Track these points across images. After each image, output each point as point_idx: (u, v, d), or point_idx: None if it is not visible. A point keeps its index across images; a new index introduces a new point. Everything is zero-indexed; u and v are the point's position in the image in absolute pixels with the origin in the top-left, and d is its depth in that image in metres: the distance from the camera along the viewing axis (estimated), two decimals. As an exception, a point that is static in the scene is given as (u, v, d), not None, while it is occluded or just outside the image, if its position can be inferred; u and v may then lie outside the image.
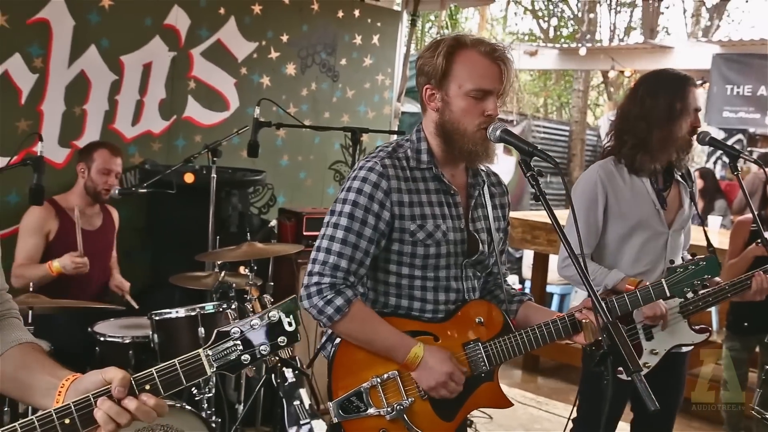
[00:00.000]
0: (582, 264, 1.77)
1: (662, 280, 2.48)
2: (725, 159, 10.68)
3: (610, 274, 2.85)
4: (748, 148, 11.09)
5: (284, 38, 5.62)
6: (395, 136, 6.91)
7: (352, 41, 6.10)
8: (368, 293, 2.19)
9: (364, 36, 6.16)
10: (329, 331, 2.18)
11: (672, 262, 2.62)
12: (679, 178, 3.00)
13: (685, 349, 2.98)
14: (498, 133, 2.02)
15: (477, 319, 2.16)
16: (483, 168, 2.27)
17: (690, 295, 2.51)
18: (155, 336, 3.37)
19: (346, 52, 6.06)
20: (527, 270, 7.76)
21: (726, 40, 10.59)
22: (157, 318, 3.39)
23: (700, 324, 2.94)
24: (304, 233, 4.60)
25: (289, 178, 5.75)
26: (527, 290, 7.32)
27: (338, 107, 6.04)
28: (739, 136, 11.01)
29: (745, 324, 4.28)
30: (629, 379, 1.60)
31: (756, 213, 2.78)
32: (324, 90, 5.93)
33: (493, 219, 2.26)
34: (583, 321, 2.04)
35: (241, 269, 4.00)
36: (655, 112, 2.82)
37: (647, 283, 2.74)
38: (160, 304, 3.53)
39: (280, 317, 1.51)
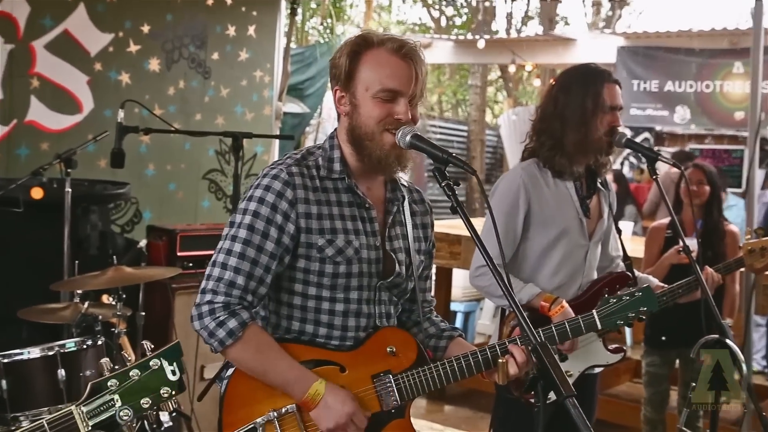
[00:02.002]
0: (505, 276, 1.83)
1: (594, 311, 2.54)
2: (632, 160, 11.30)
3: (525, 288, 2.92)
4: (656, 147, 11.73)
5: (145, 29, 5.52)
6: (278, 141, 6.95)
7: (224, 32, 6.05)
8: (270, 316, 2.19)
9: (238, 26, 6.12)
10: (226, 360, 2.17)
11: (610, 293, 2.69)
12: (600, 186, 3.11)
13: (597, 369, 3.10)
14: (408, 138, 2.05)
15: (388, 349, 2.18)
16: (404, 183, 2.31)
17: (621, 326, 2.58)
18: (3, 382, 3.21)
19: (218, 45, 6.01)
20: (428, 287, 7.88)
21: (630, 32, 11.18)
22: (5, 360, 3.24)
23: (612, 338, 3.07)
24: (179, 253, 4.52)
25: (157, 191, 5.65)
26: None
27: (211, 108, 5.98)
28: (646, 134, 11.62)
29: (663, 338, 4.48)
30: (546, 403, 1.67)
31: (674, 217, 2.93)
32: (194, 88, 5.86)
33: (413, 239, 2.28)
34: (499, 361, 2.09)
35: (105, 298, 3.89)
36: (568, 111, 2.93)
37: (564, 304, 2.85)
38: (4, 344, 3.37)
39: (161, 365, 1.49)
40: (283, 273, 2.14)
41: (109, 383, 1.47)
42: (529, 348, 1.75)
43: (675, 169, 4.52)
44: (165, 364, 1.51)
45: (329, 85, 2.26)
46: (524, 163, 3.04)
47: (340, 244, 2.11)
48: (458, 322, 7.79)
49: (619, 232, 3.17)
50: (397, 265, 2.22)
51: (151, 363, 1.50)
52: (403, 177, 2.30)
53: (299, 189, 2.09)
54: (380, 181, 2.24)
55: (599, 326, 2.54)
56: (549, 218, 2.96)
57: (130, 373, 1.50)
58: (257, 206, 2.08)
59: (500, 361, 2.06)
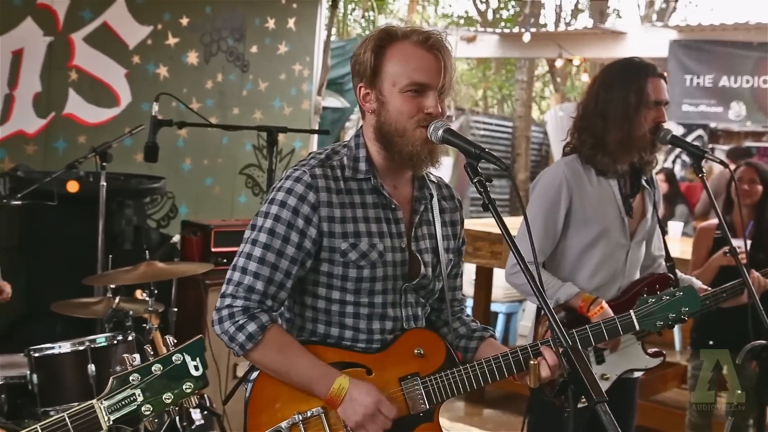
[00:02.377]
0: (537, 276, 1.81)
1: (631, 311, 2.50)
2: (685, 158, 11.12)
3: (563, 288, 2.90)
4: (710, 145, 11.53)
5: (184, 21, 5.57)
6: (316, 136, 6.98)
7: (263, 25, 6.09)
8: (295, 319, 2.20)
9: (277, 19, 6.15)
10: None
11: (644, 292, 2.66)
12: (645, 184, 3.06)
13: (636, 374, 3.05)
14: (440, 133, 2.03)
15: (416, 351, 2.17)
16: (433, 179, 2.30)
17: (661, 327, 2.53)
18: (34, 376, 3.27)
19: (257, 38, 6.05)
20: (468, 287, 7.84)
21: (684, 25, 10.97)
22: (36, 354, 3.29)
23: (661, 342, 3.03)
24: (213, 249, 4.54)
25: (193, 186, 5.70)
26: (469, 309, 7.41)
27: (249, 102, 6.02)
28: (700, 131, 11.43)
29: (711, 342, 4.41)
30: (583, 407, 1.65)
31: (721, 218, 2.88)
32: (232, 82, 5.91)
33: (442, 238, 2.27)
34: (531, 363, 2.07)
35: (138, 293, 3.93)
36: (611, 107, 2.88)
37: (603, 304, 2.82)
38: (38, 338, 3.44)
39: (184, 360, 1.49)
40: (307, 276, 2.15)
41: (131, 377, 1.48)
42: (560, 351, 1.73)
43: (736, 168, 4.43)
44: (188, 359, 1.52)
45: None
46: (567, 158, 3.01)
47: (364, 248, 2.11)
48: (499, 324, 7.75)
49: (663, 232, 3.12)
50: (422, 266, 2.21)
51: (173, 358, 1.51)
52: (433, 172, 2.29)
53: (322, 192, 2.09)
54: (407, 179, 2.24)
55: (637, 327, 2.49)
56: (590, 216, 2.93)
57: (153, 368, 1.51)
58: (279, 210, 2.08)
59: (532, 363, 2.05)
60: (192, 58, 5.66)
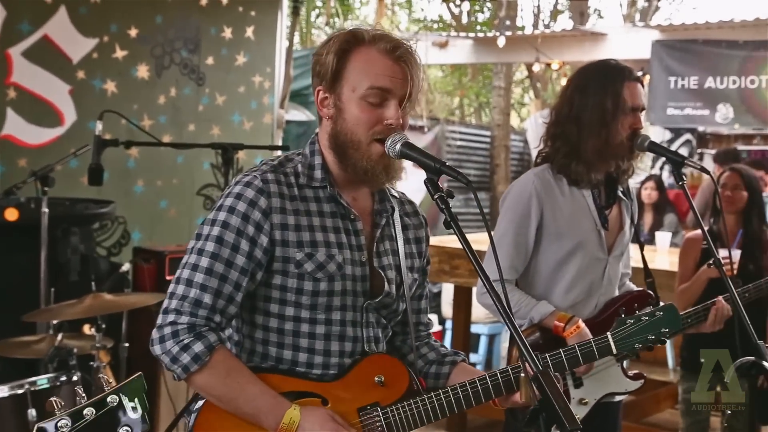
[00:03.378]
0: (504, 296, 1.78)
1: (608, 334, 2.50)
2: (674, 164, 11.20)
3: (537, 306, 2.89)
4: (698, 150, 11.61)
5: (133, 33, 5.53)
6: (278, 153, 6.91)
7: (220, 35, 6.06)
8: (244, 341, 2.15)
9: (235, 28, 6.13)
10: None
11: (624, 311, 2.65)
12: (621, 195, 3.06)
13: (618, 397, 3.04)
14: (398, 147, 2.01)
15: (376, 378, 2.13)
16: (395, 194, 2.28)
17: (640, 350, 2.54)
18: (-31, 423, 3.18)
19: (212, 49, 6.02)
20: (447, 307, 7.82)
21: (666, 24, 11.08)
22: (-29, 399, 3.20)
23: (652, 359, 3.01)
24: (168, 278, 4.51)
25: (147, 209, 5.65)
26: (449, 331, 7.37)
27: (206, 117, 5.99)
28: (688, 136, 11.52)
29: (702, 360, 4.40)
30: None
31: (707, 227, 2.87)
32: (186, 97, 5.87)
33: (405, 255, 2.25)
34: (521, 375, 2.03)
35: (85, 328, 3.86)
36: (586, 113, 2.88)
37: (580, 323, 2.80)
38: (-26, 380, 3.34)
39: (121, 401, 1.44)
40: (258, 292, 2.10)
41: (59, 424, 1.41)
42: (530, 377, 1.69)
43: (721, 174, 4.43)
44: (125, 400, 1.48)
45: None
46: (537, 168, 3.01)
47: (321, 258, 2.07)
48: (482, 347, 7.72)
49: (641, 245, 3.12)
50: (386, 283, 2.18)
51: (108, 400, 1.46)
52: (395, 187, 2.28)
53: (274, 197, 2.06)
54: (367, 192, 2.21)
55: (614, 350, 2.48)
56: (563, 229, 2.93)
57: (84, 412, 1.45)
58: (227, 216, 2.04)
59: (522, 375, 2.01)
60: (142, 71, 5.61)
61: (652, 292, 2.99)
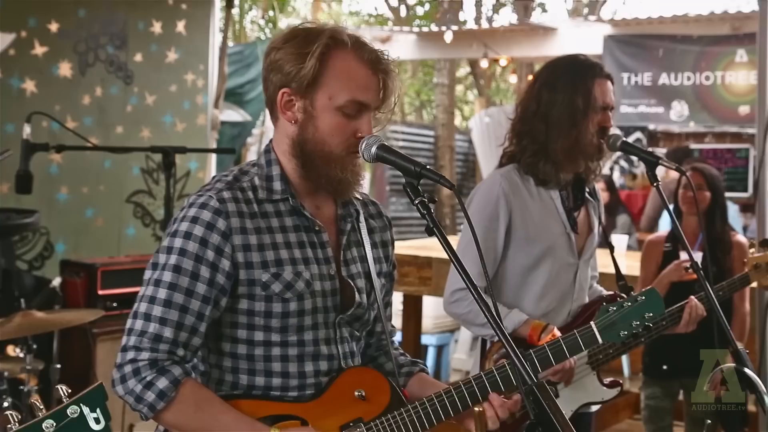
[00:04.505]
0: (492, 303, 1.81)
1: (591, 323, 2.52)
2: (624, 164, 11.41)
3: (510, 315, 2.91)
4: (649, 148, 11.83)
5: (53, 27, 5.45)
6: (214, 156, 6.89)
7: (148, 30, 6.01)
8: (211, 371, 2.13)
9: (165, 22, 6.08)
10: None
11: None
12: (588, 196, 3.11)
13: (593, 407, 3.09)
14: (374, 150, 2.01)
15: (356, 393, 2.13)
16: (358, 195, 2.27)
17: (626, 338, 2.57)
18: None
19: (141, 45, 5.96)
20: (395, 317, 7.85)
21: (619, 18, 11.27)
22: None
23: (607, 368, 3.07)
24: (100, 292, 4.49)
25: (72, 218, 5.57)
26: (396, 342, 7.40)
27: (135, 119, 5.93)
28: (638, 134, 11.72)
29: (665, 366, 4.49)
30: None
31: (680, 230, 2.94)
32: (113, 96, 5.81)
33: (374, 261, 2.26)
34: (475, 409, 2.07)
35: (11, 350, 3.79)
36: (555, 111, 2.92)
37: (555, 331, 2.84)
38: None
39: (82, 413, 1.43)
40: (224, 318, 2.09)
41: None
42: (524, 389, 1.72)
43: (671, 175, 4.53)
44: (86, 411, 1.46)
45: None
46: (503, 169, 3.04)
47: (288, 277, 2.07)
48: (430, 358, 7.79)
49: (611, 248, 3.17)
50: (356, 293, 2.19)
51: (69, 411, 1.44)
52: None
53: (233, 217, 2.05)
54: (329, 198, 2.22)
55: (600, 339, 2.51)
56: (532, 233, 2.96)
57: (44, 425, 1.44)
58: (183, 242, 2.03)
59: (476, 410, 2.04)
60: (65, 69, 5.54)
61: (624, 295, 3.04)
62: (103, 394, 1.54)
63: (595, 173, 3.05)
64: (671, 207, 4.60)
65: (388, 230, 2.36)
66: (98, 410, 1.47)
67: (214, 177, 2.18)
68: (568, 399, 2.94)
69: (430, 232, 1.85)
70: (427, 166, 1.90)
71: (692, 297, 3.07)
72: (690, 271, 2.81)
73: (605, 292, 3.20)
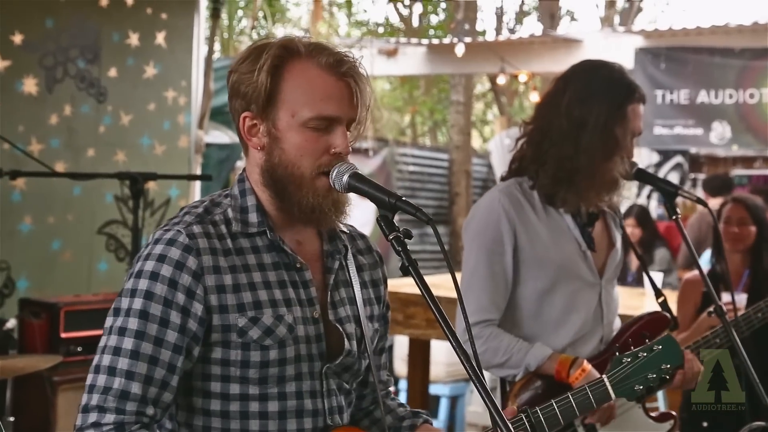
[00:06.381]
0: (471, 344, 1.82)
1: (604, 377, 2.54)
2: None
3: (533, 351, 2.89)
4: (691, 175, 11.80)
5: (17, 39, 5.47)
6: (198, 183, 6.87)
7: (124, 42, 6.03)
8: (179, 431, 2.10)
9: (142, 34, 6.11)
10: None
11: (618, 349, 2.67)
12: (604, 207, 3.08)
13: None
14: (345, 179, 2.01)
15: None
16: (345, 229, 2.26)
17: (641, 393, 2.58)
18: None
19: (116, 59, 5.99)
20: (401, 364, 7.82)
21: (651, 29, 11.29)
22: None
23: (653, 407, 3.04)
24: (63, 335, 4.46)
25: (35, 252, 5.58)
26: (403, 393, 7.37)
27: (108, 141, 5.94)
28: (678, 159, 11.70)
29: (705, 423, 4.44)
30: None
31: (709, 269, 2.91)
32: (84, 116, 5.83)
33: (364, 303, 2.24)
34: None
35: (-40, 400, 3.77)
36: (586, 134, 2.88)
37: (586, 365, 2.81)
38: None
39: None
40: (194, 369, 2.06)
41: None
42: None
43: (723, 206, 4.50)
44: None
45: None
46: (502, 185, 3.03)
47: (268, 321, 2.05)
48: (442, 410, 7.74)
49: (642, 261, 3.20)
50: (346, 340, 2.16)
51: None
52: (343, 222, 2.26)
53: (205, 255, 2.03)
54: (312, 232, 2.20)
55: (613, 396, 2.52)
56: (541, 254, 2.95)
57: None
58: (150, 284, 2.00)
59: None
60: (29, 85, 5.56)
61: (668, 314, 3.03)
62: None
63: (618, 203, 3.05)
64: (711, 242, 4.59)
65: (379, 267, 2.34)
66: None
67: (182, 209, 2.16)
68: None
69: (404, 271, 1.84)
70: (403, 198, 1.89)
71: (687, 354, 2.93)
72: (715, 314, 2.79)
73: (646, 312, 3.14)
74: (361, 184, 1.99)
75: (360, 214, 2.33)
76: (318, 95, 2.04)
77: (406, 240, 1.86)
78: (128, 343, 1.97)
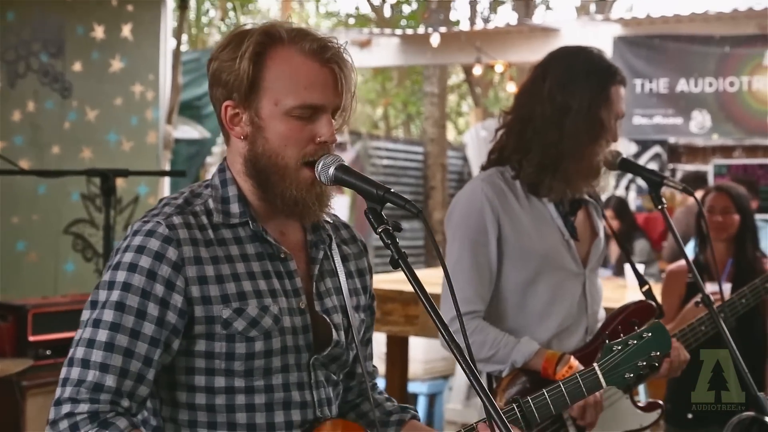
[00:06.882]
0: (464, 337, 1.80)
1: (594, 364, 2.55)
2: (641, 183, 11.39)
3: (519, 346, 2.90)
4: (670, 165, 11.87)
5: (-22, 33, 5.45)
6: (168, 180, 6.85)
7: (89, 35, 6.02)
8: (165, 426, 2.10)
9: (108, 26, 6.10)
10: None
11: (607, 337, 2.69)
12: (586, 196, 3.09)
13: None
14: (331, 171, 2.01)
15: None
16: (329, 219, 2.27)
17: (631, 381, 2.60)
18: None
19: (80, 52, 5.98)
20: (378, 362, 7.81)
21: (629, 17, 11.33)
22: None
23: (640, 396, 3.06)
24: (31, 338, 4.44)
25: (0, 253, 5.52)
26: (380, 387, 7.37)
27: (73, 137, 5.94)
28: (657, 149, 11.75)
29: (689, 415, 4.47)
30: None
31: (693, 258, 2.94)
32: (48, 112, 5.82)
33: (350, 293, 2.24)
34: None
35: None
36: (570, 119, 2.90)
37: (572, 362, 2.83)
38: None
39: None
40: (178, 363, 2.06)
41: None
42: None
43: (705, 195, 4.54)
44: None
45: None
46: (484, 174, 3.04)
47: (253, 312, 2.05)
48: (421, 408, 7.76)
49: (625, 251, 3.19)
50: (333, 330, 2.17)
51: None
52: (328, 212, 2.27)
53: (186, 245, 2.03)
54: (296, 222, 2.21)
55: (604, 384, 2.53)
56: (526, 244, 2.96)
57: None
58: (127, 276, 2.00)
59: None
60: (-9, 81, 5.52)
61: (653, 302, 3.06)
62: None
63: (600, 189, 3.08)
64: (696, 231, 4.62)
65: (364, 257, 2.35)
66: None
67: (161, 200, 2.16)
68: (602, 429, 2.92)
69: (394, 264, 1.84)
70: (392, 190, 1.89)
71: (675, 343, 2.98)
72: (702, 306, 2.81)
73: (632, 301, 3.16)
74: (348, 177, 1.99)
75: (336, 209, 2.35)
76: (302, 83, 2.05)
77: (395, 233, 1.86)
78: (102, 335, 1.97)
